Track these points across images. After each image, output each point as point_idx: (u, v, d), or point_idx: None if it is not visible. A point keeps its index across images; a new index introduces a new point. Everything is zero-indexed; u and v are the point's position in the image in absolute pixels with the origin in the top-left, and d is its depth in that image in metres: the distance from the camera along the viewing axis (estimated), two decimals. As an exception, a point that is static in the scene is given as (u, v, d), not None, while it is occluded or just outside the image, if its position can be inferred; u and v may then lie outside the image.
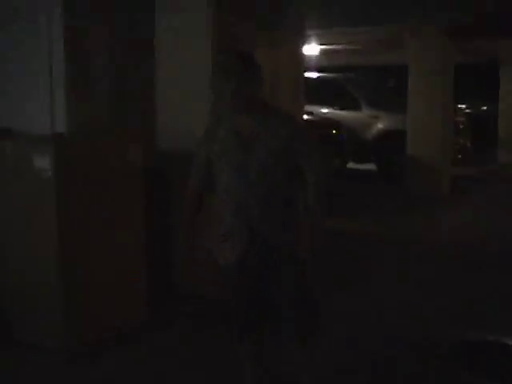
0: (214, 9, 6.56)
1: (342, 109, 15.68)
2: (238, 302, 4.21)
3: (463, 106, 20.92)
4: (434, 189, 13.26)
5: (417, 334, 5.96)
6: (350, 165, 15.42)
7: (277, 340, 4.59)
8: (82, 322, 5.45)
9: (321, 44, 14.83)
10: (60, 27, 6.47)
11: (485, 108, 22.39)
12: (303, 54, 10.83)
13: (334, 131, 14.04)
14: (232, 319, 4.31)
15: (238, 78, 3.77)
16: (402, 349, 5.58)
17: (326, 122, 14.49)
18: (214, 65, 4.03)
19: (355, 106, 15.65)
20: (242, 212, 3.93)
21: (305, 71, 11.70)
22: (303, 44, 10.77)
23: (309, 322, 4.18)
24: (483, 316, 6.36)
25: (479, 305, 6.71)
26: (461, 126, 16.27)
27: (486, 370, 4.80)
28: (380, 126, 15.37)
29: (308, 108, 13.14)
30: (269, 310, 4.21)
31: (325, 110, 15.64)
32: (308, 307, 4.17)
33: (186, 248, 4.21)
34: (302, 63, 10.70)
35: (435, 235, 10.00)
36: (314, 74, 16.26)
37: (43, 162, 5.19)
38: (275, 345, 4.73)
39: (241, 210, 3.93)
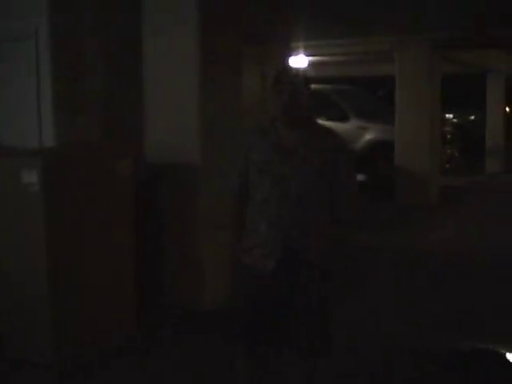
0: (200, 27, 6.57)
1: (330, 120, 15.67)
2: (253, 312, 4.10)
3: (451, 116, 21.00)
4: (423, 199, 13.29)
5: (412, 340, 6.01)
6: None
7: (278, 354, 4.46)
8: (72, 337, 5.41)
9: (309, 55, 14.84)
10: (47, 43, 6.49)
11: (472, 118, 22.47)
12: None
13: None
14: (241, 330, 4.22)
15: (290, 93, 3.84)
16: (398, 354, 5.61)
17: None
18: (271, 78, 4.01)
19: (343, 117, 15.66)
20: (279, 225, 3.91)
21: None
22: (291, 55, 10.82)
23: (325, 332, 4.15)
24: (475, 323, 6.40)
25: (471, 312, 6.76)
26: (448, 136, 16.35)
27: (478, 379, 4.81)
28: (368, 136, 15.38)
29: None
30: (281, 324, 4.09)
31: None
32: (326, 318, 4.15)
33: (235, 247, 4.21)
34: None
35: (425, 245, 10.02)
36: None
37: (31, 177, 5.17)
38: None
39: (279, 223, 3.90)
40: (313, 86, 12.96)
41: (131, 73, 7.10)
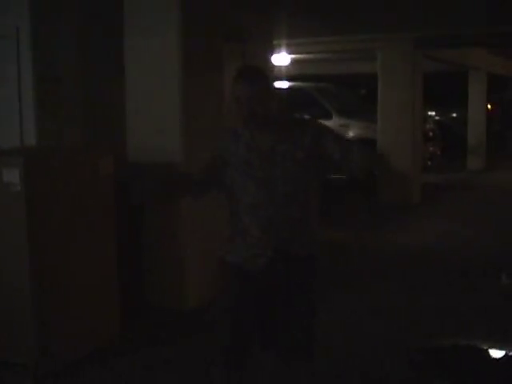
0: (180, 25, 6.56)
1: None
2: (237, 313, 3.95)
3: (433, 114, 21.08)
4: (405, 197, 13.33)
5: (391, 338, 6.06)
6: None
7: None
8: (55, 338, 5.40)
9: (291, 53, 14.85)
10: (28, 42, 6.48)
11: (454, 115, 22.56)
12: (273, 64, 10.87)
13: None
14: (222, 335, 4.03)
15: (251, 96, 3.70)
16: (376, 353, 5.64)
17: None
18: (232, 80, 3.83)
19: (326, 115, 15.67)
20: (271, 228, 3.80)
21: (275, 81, 11.74)
22: (272, 53, 10.82)
23: (311, 333, 4.03)
24: (456, 321, 6.44)
25: (451, 310, 6.79)
26: (430, 134, 16.38)
27: (460, 375, 4.82)
28: (351, 134, 15.40)
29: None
30: (265, 326, 3.98)
31: (295, 120, 15.65)
32: (314, 316, 4.04)
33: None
34: (272, 73, 10.74)
35: (404, 243, 10.05)
36: (283, 84, 16.30)
37: (12, 176, 5.14)
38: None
39: (271, 225, 3.80)
40: (295, 83, 12.93)
41: (114, 72, 7.08)
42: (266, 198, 3.79)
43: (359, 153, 3.87)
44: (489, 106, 20.76)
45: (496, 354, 4.62)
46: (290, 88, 16.48)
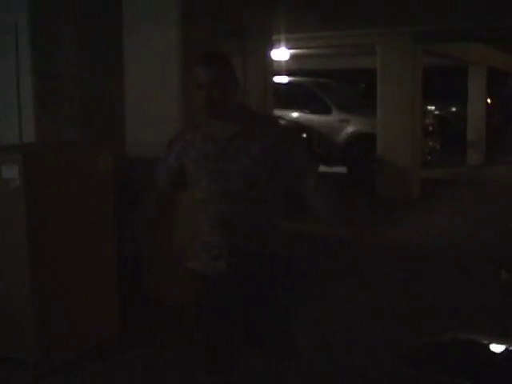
0: (179, 21, 6.55)
1: (312, 113, 15.71)
2: (210, 321, 3.84)
3: (432, 108, 21.06)
4: (404, 191, 13.33)
5: (392, 334, 6.08)
6: (321, 168, 15.45)
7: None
8: (55, 335, 5.41)
9: (290, 48, 14.84)
10: (27, 38, 6.47)
11: (454, 110, 22.54)
12: (272, 59, 10.85)
13: (304, 135, 14.07)
14: (201, 341, 3.92)
15: (211, 81, 3.58)
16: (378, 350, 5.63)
17: (297, 126, 14.51)
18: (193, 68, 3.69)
19: (325, 110, 15.69)
20: (222, 224, 3.66)
21: (274, 76, 11.73)
22: (272, 49, 10.80)
23: (289, 338, 3.92)
24: (455, 317, 6.46)
25: (449, 306, 6.79)
26: (430, 128, 16.36)
27: (460, 370, 4.81)
28: (350, 129, 15.42)
29: (278, 112, 13.16)
30: (240, 330, 3.85)
31: (295, 115, 15.67)
32: (288, 315, 3.93)
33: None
34: (271, 68, 10.73)
35: (404, 239, 10.05)
36: (283, 79, 16.30)
37: (12, 172, 5.14)
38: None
39: (222, 222, 3.66)
40: (295, 78, 12.88)
41: (113, 68, 7.07)
42: (217, 193, 3.66)
43: (320, 191, 3.80)
44: (488, 101, 20.73)
45: (496, 348, 4.62)
46: (289, 83, 16.48)
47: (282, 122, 13.98)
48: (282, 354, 3.91)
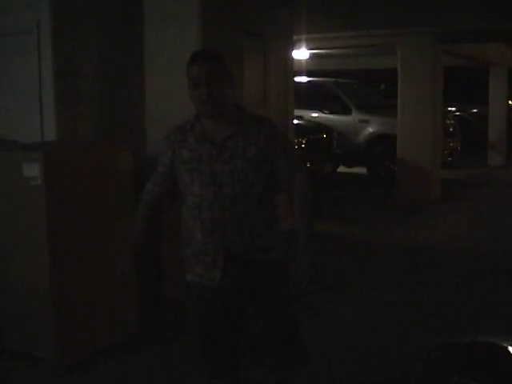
0: (201, 20, 6.55)
1: (331, 113, 15.69)
2: (206, 333, 3.73)
3: (453, 109, 20.97)
4: (425, 193, 13.27)
5: (415, 334, 6.04)
6: (341, 169, 15.44)
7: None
8: (73, 333, 5.43)
9: (311, 48, 14.83)
10: (48, 37, 6.50)
11: (475, 111, 22.43)
12: (292, 59, 10.86)
13: (324, 135, 14.05)
14: (201, 353, 3.83)
15: (209, 76, 3.47)
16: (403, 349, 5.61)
17: (316, 127, 14.50)
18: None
19: (345, 110, 15.67)
20: (216, 230, 3.50)
21: (294, 76, 11.73)
22: (292, 49, 10.81)
23: (295, 347, 3.78)
24: (478, 318, 6.41)
25: (471, 308, 6.75)
26: (451, 129, 16.29)
27: (480, 372, 4.78)
28: (370, 129, 15.38)
29: (298, 112, 13.15)
30: (243, 342, 3.74)
31: (315, 115, 15.66)
32: (293, 322, 3.78)
33: (124, 264, 3.84)
34: (291, 68, 10.73)
35: (426, 241, 10.01)
36: (303, 79, 16.29)
37: (33, 170, 5.16)
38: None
39: (215, 227, 3.49)
40: (315, 79, 12.87)
41: (134, 67, 7.10)
42: (211, 197, 3.49)
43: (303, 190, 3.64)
44: (510, 102, 20.60)
45: (515, 351, 4.58)
46: (309, 83, 16.47)
47: (302, 122, 14.00)
48: (288, 364, 3.77)
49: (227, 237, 3.51)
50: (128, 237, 4.03)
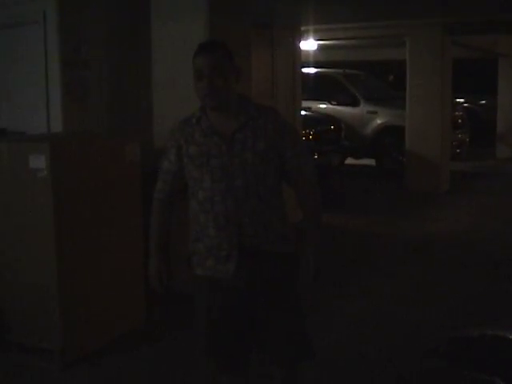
0: (209, 12, 6.52)
1: (340, 104, 15.64)
2: (217, 327, 3.66)
3: (461, 100, 20.88)
4: (433, 184, 13.22)
5: (422, 326, 6.05)
6: (349, 160, 15.39)
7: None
8: (81, 326, 5.42)
9: (318, 39, 14.77)
10: (55, 27, 6.47)
11: (483, 102, 22.33)
12: (300, 50, 10.82)
13: (332, 127, 14.00)
14: (207, 349, 3.78)
15: (212, 69, 3.42)
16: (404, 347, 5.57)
17: (325, 118, 14.46)
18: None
19: (353, 102, 15.62)
20: (229, 224, 3.47)
21: (302, 67, 11.69)
22: (300, 40, 10.77)
23: (303, 340, 3.77)
24: (484, 311, 6.37)
25: (477, 301, 6.71)
26: (459, 121, 16.20)
27: (489, 365, 4.75)
28: (378, 121, 15.34)
29: (306, 104, 13.11)
30: (253, 336, 3.70)
31: (323, 106, 15.61)
32: (302, 324, 3.76)
33: (155, 266, 3.78)
34: (299, 59, 10.69)
35: (434, 233, 9.97)
36: (311, 70, 16.23)
37: (39, 162, 5.15)
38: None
39: (228, 222, 3.47)
40: (323, 70, 12.83)
41: (141, 57, 7.06)
42: (222, 191, 3.46)
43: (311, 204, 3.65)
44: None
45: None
46: (317, 74, 16.42)
47: (310, 114, 13.96)
48: (295, 358, 3.76)
49: (242, 230, 3.48)
50: (139, 233, 3.98)
